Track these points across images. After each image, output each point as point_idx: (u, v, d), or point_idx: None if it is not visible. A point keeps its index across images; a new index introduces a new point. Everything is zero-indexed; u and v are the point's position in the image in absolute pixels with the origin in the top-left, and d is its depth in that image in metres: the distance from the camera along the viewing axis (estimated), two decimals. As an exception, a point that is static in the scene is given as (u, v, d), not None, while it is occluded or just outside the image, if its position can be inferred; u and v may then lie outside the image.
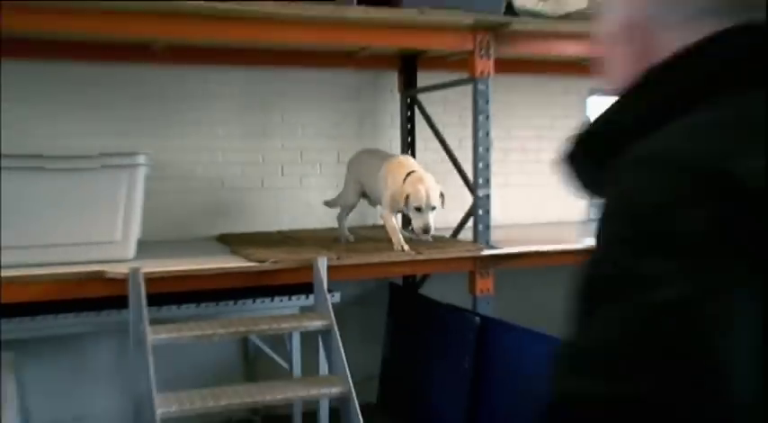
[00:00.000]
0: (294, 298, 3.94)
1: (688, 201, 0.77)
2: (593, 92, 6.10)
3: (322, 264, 3.53)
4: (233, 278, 3.51)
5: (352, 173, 4.37)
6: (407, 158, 4.24)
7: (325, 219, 4.91)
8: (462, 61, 5.09)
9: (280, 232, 4.80)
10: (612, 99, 0.98)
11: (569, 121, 5.94)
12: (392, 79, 5.22)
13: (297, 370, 4.01)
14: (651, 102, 0.96)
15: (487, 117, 4.25)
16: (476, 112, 4.24)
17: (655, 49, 0.98)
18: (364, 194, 4.33)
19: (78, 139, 4.30)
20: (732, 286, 0.73)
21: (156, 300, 3.42)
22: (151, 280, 3.26)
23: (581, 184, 1.03)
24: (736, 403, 0.71)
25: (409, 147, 5.13)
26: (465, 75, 4.77)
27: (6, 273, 3.23)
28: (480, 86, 4.22)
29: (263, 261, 3.50)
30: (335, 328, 3.31)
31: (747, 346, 0.72)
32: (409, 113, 5.11)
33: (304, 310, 3.99)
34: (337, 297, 4.02)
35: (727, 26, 0.93)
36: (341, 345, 3.26)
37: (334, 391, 3.14)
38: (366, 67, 5.03)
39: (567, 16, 4.92)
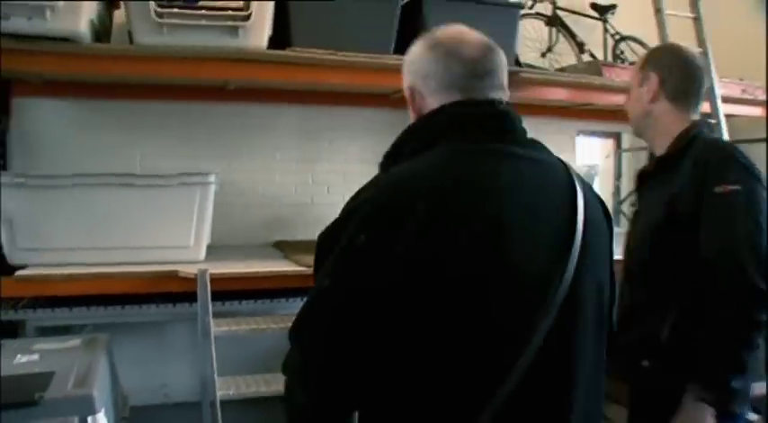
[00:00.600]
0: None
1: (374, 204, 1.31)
2: (579, 132, 5.99)
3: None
4: (284, 279, 3.42)
5: None
6: None
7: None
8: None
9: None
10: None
11: (562, 156, 5.80)
12: (420, 116, 5.13)
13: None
14: (407, 141, 1.42)
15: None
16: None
17: (426, 107, 1.41)
18: None
19: (162, 162, 4.26)
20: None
21: (220, 296, 3.36)
22: (216, 279, 3.18)
23: None
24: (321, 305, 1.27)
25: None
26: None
27: (100, 269, 3.20)
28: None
29: (309, 266, 3.41)
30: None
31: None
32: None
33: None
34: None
35: (455, 99, 1.35)
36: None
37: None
38: (399, 106, 4.92)
39: (562, 70, 4.83)
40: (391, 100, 4.82)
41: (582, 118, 5.66)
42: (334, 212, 4.58)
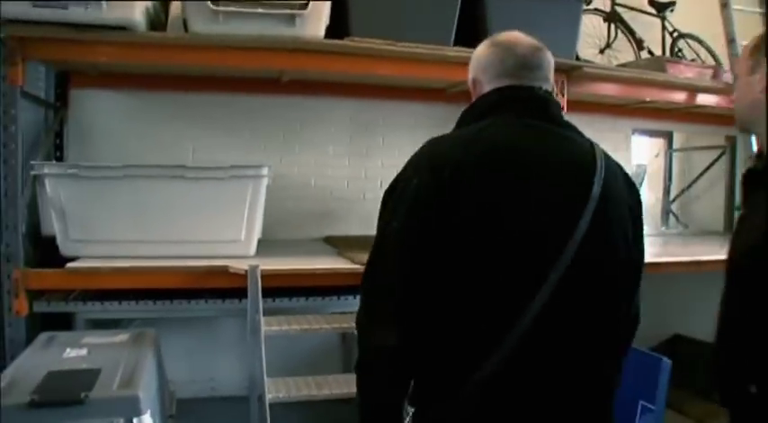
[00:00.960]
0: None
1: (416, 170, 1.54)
2: (635, 131, 5.69)
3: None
4: (337, 277, 3.25)
5: None
6: None
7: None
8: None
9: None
10: None
11: (617, 155, 5.52)
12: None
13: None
14: (466, 116, 1.65)
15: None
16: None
17: (483, 92, 1.63)
18: None
19: (214, 155, 4.15)
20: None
21: (270, 292, 3.21)
22: (267, 276, 3.04)
23: None
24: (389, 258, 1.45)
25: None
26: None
27: (150, 263, 3.09)
28: (556, 120, 3.89)
29: (364, 264, 3.24)
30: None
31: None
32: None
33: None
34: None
35: (503, 84, 1.55)
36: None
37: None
38: (453, 101, 4.73)
39: (623, 66, 4.55)
40: (447, 95, 4.64)
41: (636, 116, 5.38)
42: None
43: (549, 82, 1.61)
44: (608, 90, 4.09)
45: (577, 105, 4.80)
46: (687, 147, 6.61)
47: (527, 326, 1.32)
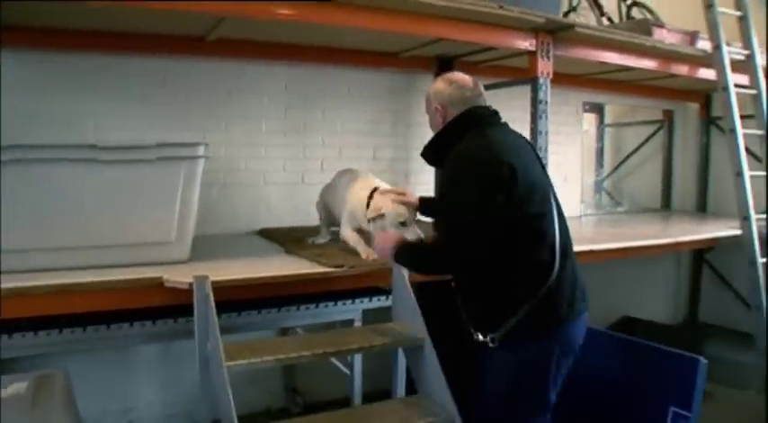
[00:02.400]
0: (357, 301, 2.97)
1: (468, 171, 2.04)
2: (585, 105, 5.30)
3: (399, 270, 2.59)
4: (307, 285, 2.53)
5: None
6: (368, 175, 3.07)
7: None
8: (492, 68, 4.24)
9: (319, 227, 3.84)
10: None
11: (568, 128, 5.13)
12: (424, 82, 4.26)
13: (357, 372, 3.06)
14: (450, 134, 2.21)
15: (546, 117, 3.37)
16: (535, 112, 3.34)
17: (448, 116, 2.24)
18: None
19: (123, 133, 3.26)
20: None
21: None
22: (218, 289, 2.26)
23: (434, 164, 2.49)
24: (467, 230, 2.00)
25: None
26: (497, 79, 3.93)
27: (52, 280, 2.20)
28: (541, 86, 3.32)
29: (339, 266, 2.54)
30: (429, 342, 2.37)
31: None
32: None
33: (367, 313, 3.03)
34: (396, 299, 3.08)
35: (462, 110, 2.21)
36: (437, 362, 2.31)
37: (437, 420, 2.17)
38: (405, 67, 4.06)
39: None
40: (398, 60, 3.96)
41: (586, 88, 4.96)
42: None
43: (486, 100, 2.30)
44: (596, 55, 3.55)
45: (523, 73, 4.31)
46: (619, 122, 6.33)
47: (561, 243, 2.12)
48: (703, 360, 2.66)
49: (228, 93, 3.60)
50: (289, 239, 3.24)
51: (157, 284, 2.30)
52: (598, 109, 6.29)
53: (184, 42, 3.29)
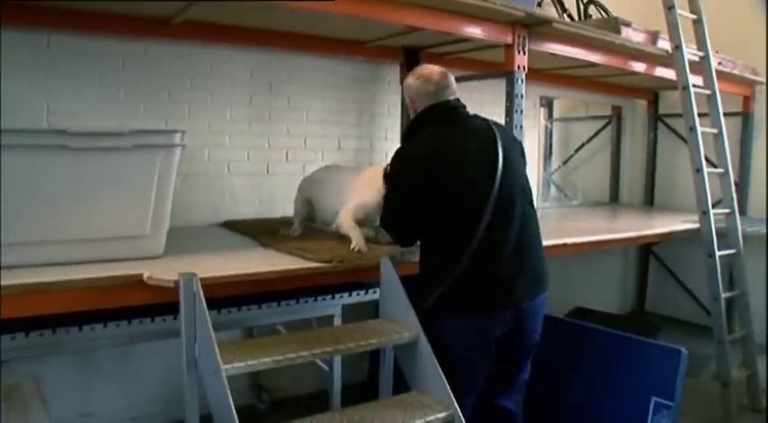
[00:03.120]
0: (338, 296, 2.85)
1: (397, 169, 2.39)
2: (542, 99, 5.34)
3: (387, 264, 2.49)
4: (294, 280, 2.38)
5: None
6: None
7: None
8: (458, 60, 4.19)
9: (285, 219, 3.69)
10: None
11: (527, 121, 5.14)
12: (389, 72, 4.19)
13: (337, 367, 2.96)
14: (411, 128, 2.47)
15: (521, 112, 3.33)
16: (511, 106, 3.30)
17: (417, 109, 2.42)
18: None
19: (79, 118, 3.03)
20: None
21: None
22: (204, 286, 2.10)
23: None
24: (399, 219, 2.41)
25: (410, 138, 4.15)
26: (464, 72, 3.88)
27: (17, 279, 1.99)
28: (517, 80, 3.27)
29: (327, 261, 2.42)
30: (424, 338, 2.29)
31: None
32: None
33: (346, 308, 2.92)
34: (378, 293, 2.97)
35: (432, 103, 2.38)
36: (433, 357, 2.24)
37: (440, 416, 2.10)
38: (372, 57, 3.95)
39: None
40: (366, 49, 3.85)
41: (544, 83, 4.99)
42: (294, 188, 3.34)
43: (456, 93, 2.44)
44: (567, 51, 3.50)
45: (489, 67, 4.29)
46: (568, 117, 6.42)
47: (482, 232, 2.24)
48: (684, 351, 2.71)
49: (193, 77, 3.40)
50: (259, 232, 3.09)
51: (136, 282, 2.13)
52: (547, 103, 6.36)
53: (147, 23, 3.05)
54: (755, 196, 5.16)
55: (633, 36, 3.78)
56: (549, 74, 4.82)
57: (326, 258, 2.42)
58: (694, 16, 4.06)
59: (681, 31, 3.89)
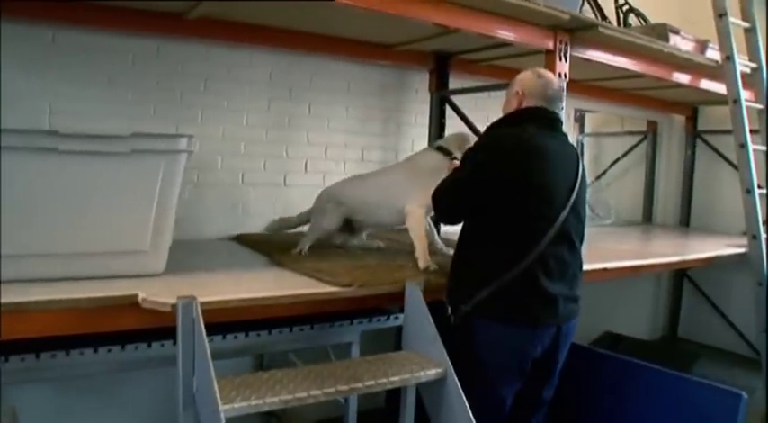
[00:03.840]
0: (356, 322, 2.57)
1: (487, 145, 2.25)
2: (576, 112, 5.04)
3: (413, 290, 2.21)
4: (308, 305, 2.10)
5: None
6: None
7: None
8: (489, 68, 3.92)
9: (303, 234, 3.42)
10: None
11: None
12: (417, 79, 3.91)
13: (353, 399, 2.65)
14: (512, 118, 2.30)
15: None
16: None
17: (524, 104, 2.29)
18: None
19: (83, 120, 2.79)
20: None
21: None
22: (205, 311, 1.83)
23: None
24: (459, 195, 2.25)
25: (438, 147, 3.86)
26: (494, 81, 3.63)
27: (9, 298, 1.73)
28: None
29: (348, 285, 2.14)
30: (453, 374, 2.00)
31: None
32: (440, 113, 3.83)
33: (365, 335, 2.64)
34: (401, 319, 2.69)
35: (542, 105, 2.28)
36: (463, 396, 1.95)
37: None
38: (400, 62, 3.67)
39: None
40: (394, 53, 3.58)
41: (581, 95, 4.68)
42: (312, 197, 3.16)
43: (561, 108, 2.41)
44: (610, 59, 3.19)
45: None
46: (600, 132, 6.10)
47: (544, 245, 2.13)
48: (745, 395, 2.40)
49: (207, 80, 3.15)
50: (273, 248, 2.83)
51: (129, 304, 1.87)
52: (580, 117, 6.05)
53: (160, 19, 2.81)
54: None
55: (681, 45, 3.47)
56: (583, 85, 4.51)
57: (345, 282, 2.14)
58: (747, 24, 3.75)
59: (733, 40, 3.58)
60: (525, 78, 2.33)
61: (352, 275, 2.23)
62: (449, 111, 3.84)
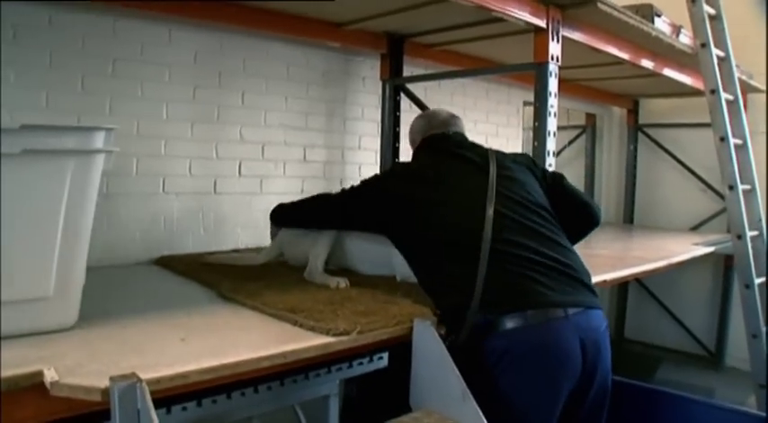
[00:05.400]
0: (334, 369, 1.97)
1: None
2: (527, 104, 4.64)
3: (424, 329, 1.65)
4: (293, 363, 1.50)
5: None
6: None
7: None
8: (444, 53, 3.44)
9: (237, 252, 2.78)
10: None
11: (510, 130, 4.46)
12: (365, 66, 3.35)
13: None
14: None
15: (555, 115, 2.59)
16: (542, 107, 2.55)
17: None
18: None
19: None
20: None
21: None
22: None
23: None
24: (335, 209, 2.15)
25: (393, 143, 3.30)
26: (448, 67, 3.26)
27: None
28: (551, 74, 2.52)
29: (344, 333, 1.54)
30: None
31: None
32: (395, 105, 3.28)
33: (347, 384, 2.05)
34: (385, 360, 2.11)
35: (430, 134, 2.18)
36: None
37: None
38: (351, 43, 3.07)
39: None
40: (344, 33, 3.00)
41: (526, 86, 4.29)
42: (249, 211, 2.98)
43: (460, 128, 2.22)
44: (598, 43, 2.78)
45: (478, 63, 3.56)
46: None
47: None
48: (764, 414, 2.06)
49: (115, 61, 2.43)
50: (210, 274, 2.18)
51: (32, 386, 1.20)
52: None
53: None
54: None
55: (664, 29, 3.11)
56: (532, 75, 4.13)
57: (340, 329, 1.54)
58: (713, 11, 3.46)
59: (708, 26, 3.27)
60: (411, 125, 2.32)
61: (340, 318, 1.63)
62: (404, 103, 3.32)
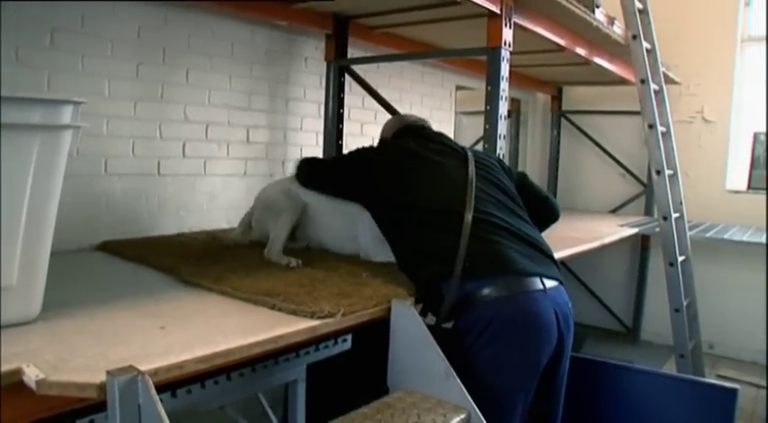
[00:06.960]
0: (302, 353, 1.91)
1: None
2: (459, 88, 4.68)
3: (404, 310, 1.64)
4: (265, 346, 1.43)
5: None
6: None
7: (232, 216, 2.89)
8: (386, 36, 3.42)
9: (182, 235, 2.67)
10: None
11: (442, 114, 4.49)
12: (307, 47, 3.26)
13: None
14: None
15: (506, 99, 2.61)
16: (494, 91, 2.56)
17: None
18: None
19: None
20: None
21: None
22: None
23: None
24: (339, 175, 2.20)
25: (337, 125, 3.24)
26: (391, 50, 3.18)
27: None
28: (503, 60, 2.54)
29: (329, 316, 1.50)
30: (480, 416, 1.47)
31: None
32: (340, 86, 3.21)
33: (311, 368, 2.00)
34: (349, 342, 2.08)
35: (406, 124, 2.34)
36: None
37: None
38: (298, 21, 2.98)
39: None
40: (291, 12, 2.90)
41: (460, 69, 4.33)
42: (192, 193, 2.88)
43: (427, 123, 2.38)
44: (542, 31, 2.83)
45: (416, 46, 3.56)
46: (467, 111, 5.84)
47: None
48: (738, 388, 2.20)
49: (54, 32, 2.24)
50: (161, 258, 2.08)
51: (13, 386, 1.09)
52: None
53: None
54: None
55: (602, 19, 3.21)
56: (467, 61, 4.17)
57: (327, 312, 1.50)
58: (641, 5, 3.60)
59: (638, 19, 3.41)
60: (384, 126, 2.45)
61: (320, 300, 1.59)
62: (347, 85, 3.27)
